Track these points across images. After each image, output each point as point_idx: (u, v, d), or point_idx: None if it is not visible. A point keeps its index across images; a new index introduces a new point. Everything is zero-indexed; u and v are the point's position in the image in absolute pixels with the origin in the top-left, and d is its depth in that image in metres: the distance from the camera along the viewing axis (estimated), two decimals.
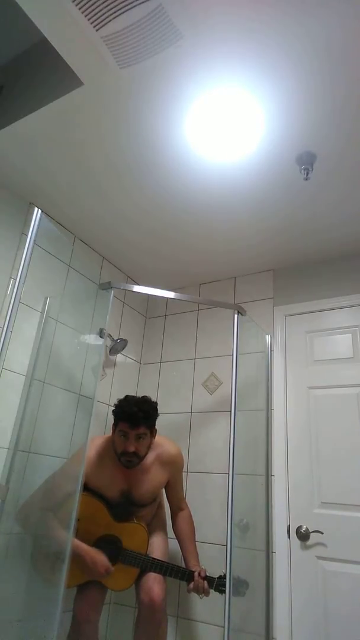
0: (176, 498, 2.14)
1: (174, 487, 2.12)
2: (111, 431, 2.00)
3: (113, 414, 1.97)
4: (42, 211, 1.73)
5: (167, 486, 2.10)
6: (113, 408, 1.99)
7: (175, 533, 2.10)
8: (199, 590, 1.88)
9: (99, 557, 1.81)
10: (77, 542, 1.78)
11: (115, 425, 1.96)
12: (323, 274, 2.60)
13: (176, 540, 2.09)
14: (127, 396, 2.01)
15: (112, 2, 1.34)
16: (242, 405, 2.19)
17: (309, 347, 2.48)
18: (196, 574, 1.89)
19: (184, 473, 2.23)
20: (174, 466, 2.06)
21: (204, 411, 2.64)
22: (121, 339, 2.64)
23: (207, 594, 1.88)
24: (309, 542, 2.12)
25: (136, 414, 1.89)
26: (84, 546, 1.80)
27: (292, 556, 2.13)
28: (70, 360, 2.29)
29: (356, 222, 2.27)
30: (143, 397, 2.02)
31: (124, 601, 2.41)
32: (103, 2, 1.34)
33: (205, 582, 1.88)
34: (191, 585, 1.88)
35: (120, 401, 1.98)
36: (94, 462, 1.92)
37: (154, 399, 2.78)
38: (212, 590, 1.88)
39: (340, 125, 1.71)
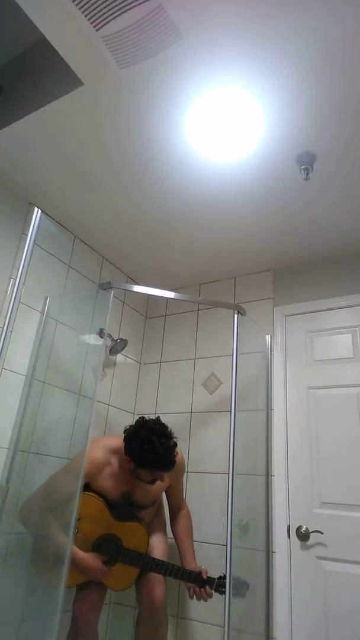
0: (176, 500, 2.16)
1: (174, 491, 2.13)
2: (127, 461, 1.88)
3: (136, 456, 1.82)
4: (42, 211, 1.73)
5: (168, 489, 2.11)
6: (131, 440, 1.83)
7: (172, 530, 2.12)
8: (200, 598, 1.88)
9: (94, 564, 1.80)
10: (73, 549, 1.77)
11: (138, 464, 1.83)
12: (323, 274, 2.60)
13: (174, 539, 2.10)
14: (149, 437, 1.80)
15: (112, 2, 1.34)
16: (242, 405, 2.19)
17: (309, 347, 2.48)
18: (196, 589, 1.89)
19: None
20: (176, 472, 2.05)
21: (204, 411, 2.64)
22: (121, 339, 2.64)
23: (210, 596, 1.89)
24: (309, 542, 2.12)
25: (169, 464, 1.82)
26: (79, 554, 1.79)
27: (292, 556, 2.13)
28: (70, 360, 2.29)
29: (356, 222, 2.27)
30: (165, 436, 1.84)
31: (124, 601, 2.41)
32: (103, 2, 1.34)
33: (207, 588, 1.88)
34: (192, 592, 1.89)
35: (143, 444, 1.79)
36: (99, 464, 1.89)
37: (153, 399, 2.84)
38: (212, 591, 1.89)
39: (341, 125, 1.71)
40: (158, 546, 2.02)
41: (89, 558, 1.80)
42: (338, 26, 1.37)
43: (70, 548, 1.71)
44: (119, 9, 1.36)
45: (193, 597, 1.90)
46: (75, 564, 1.76)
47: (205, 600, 1.89)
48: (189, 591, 1.91)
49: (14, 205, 2.21)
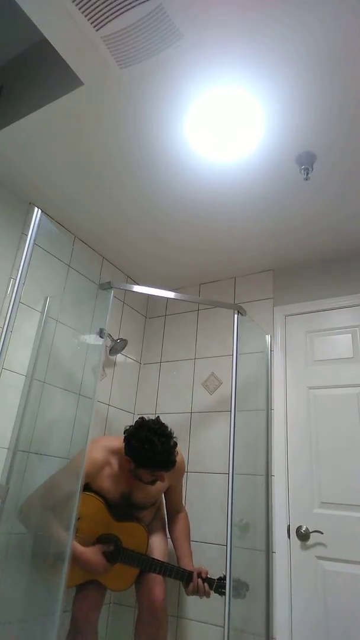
0: (175, 502, 2.15)
1: (174, 492, 2.13)
2: (127, 462, 1.88)
3: (136, 456, 1.82)
4: (42, 211, 1.73)
5: (167, 491, 2.10)
6: (131, 440, 1.83)
7: (170, 532, 2.11)
8: (198, 592, 1.87)
9: (95, 559, 1.80)
10: (74, 544, 1.76)
11: (138, 464, 1.83)
12: (323, 274, 2.60)
13: (171, 541, 2.10)
14: (148, 437, 1.80)
15: (112, 2, 1.34)
16: (242, 405, 2.19)
17: (309, 347, 2.48)
18: (195, 574, 1.88)
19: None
20: (176, 473, 2.04)
21: (204, 411, 2.64)
22: (121, 339, 2.64)
23: (207, 595, 1.88)
24: (309, 542, 2.12)
25: (169, 463, 1.81)
26: (79, 548, 1.78)
27: (292, 556, 2.13)
28: (70, 360, 2.29)
29: (356, 222, 2.27)
30: (165, 435, 1.83)
31: (124, 601, 2.41)
32: (103, 2, 1.34)
33: (205, 583, 1.88)
34: (190, 587, 1.88)
35: (143, 444, 1.79)
36: (99, 465, 1.89)
37: (153, 399, 2.84)
38: (211, 592, 1.89)
39: (340, 125, 1.71)
40: (158, 547, 2.02)
41: (89, 552, 1.79)
42: (338, 26, 1.37)
43: (71, 546, 1.70)
44: (119, 9, 1.36)
45: (190, 593, 1.88)
46: (75, 558, 1.75)
47: (205, 595, 1.88)
48: (186, 588, 1.90)
49: (14, 205, 2.22)
